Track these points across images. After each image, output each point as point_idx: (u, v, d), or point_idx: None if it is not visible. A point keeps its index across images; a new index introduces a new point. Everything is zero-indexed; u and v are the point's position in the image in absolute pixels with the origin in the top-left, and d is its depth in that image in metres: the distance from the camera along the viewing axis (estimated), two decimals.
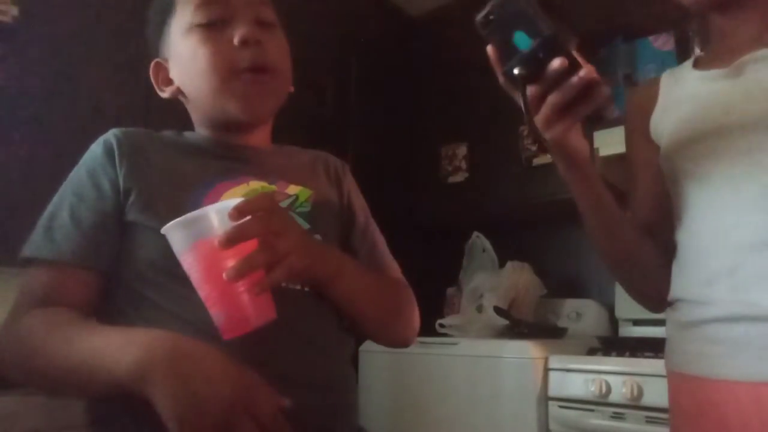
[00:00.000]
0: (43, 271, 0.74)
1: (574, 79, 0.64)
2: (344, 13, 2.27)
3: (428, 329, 2.05)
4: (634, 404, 1.50)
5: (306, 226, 0.81)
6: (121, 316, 0.74)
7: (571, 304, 2.23)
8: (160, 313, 0.72)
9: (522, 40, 0.64)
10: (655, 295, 0.89)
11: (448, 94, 2.43)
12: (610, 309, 2.16)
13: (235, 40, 0.79)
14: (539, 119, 0.69)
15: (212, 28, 0.80)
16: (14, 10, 1.39)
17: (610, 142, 1.78)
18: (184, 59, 0.83)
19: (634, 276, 0.91)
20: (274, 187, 0.82)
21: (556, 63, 0.63)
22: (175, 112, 0.91)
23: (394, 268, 0.93)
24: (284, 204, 0.82)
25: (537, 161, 2.13)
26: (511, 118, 2.23)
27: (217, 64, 0.79)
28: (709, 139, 0.80)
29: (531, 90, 0.67)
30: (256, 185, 0.81)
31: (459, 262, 2.40)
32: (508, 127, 2.21)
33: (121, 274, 0.76)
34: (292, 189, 0.84)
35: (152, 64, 0.88)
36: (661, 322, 2.02)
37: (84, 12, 1.54)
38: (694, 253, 0.81)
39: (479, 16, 0.67)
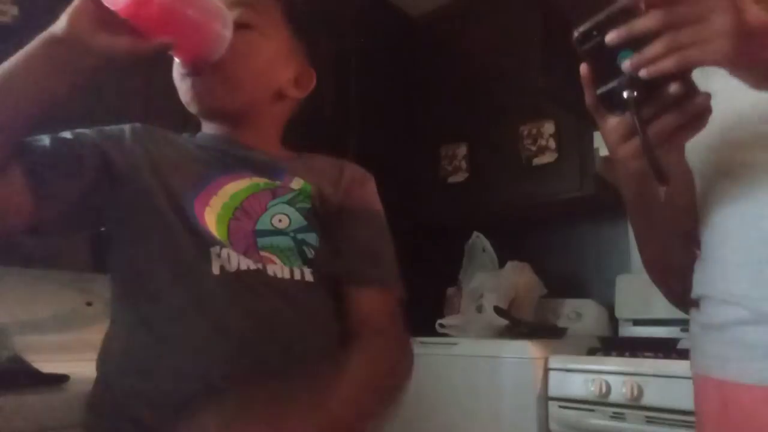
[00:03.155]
0: None
1: (691, 105, 0.61)
2: (344, 13, 2.27)
3: (428, 329, 2.05)
4: (634, 404, 1.50)
5: (303, 222, 0.80)
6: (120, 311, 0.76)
7: (571, 304, 2.23)
8: (156, 307, 0.72)
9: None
10: (683, 292, 0.87)
11: (448, 94, 2.42)
12: (610, 309, 2.16)
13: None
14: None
15: None
16: (14, 10, 1.38)
17: None
18: None
19: (666, 274, 0.90)
20: (277, 183, 0.82)
21: (674, 87, 0.60)
22: (175, 111, 0.91)
23: (396, 281, 0.87)
24: (285, 198, 0.80)
25: (537, 161, 2.13)
26: (511, 118, 2.26)
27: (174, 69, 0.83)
28: (733, 129, 0.78)
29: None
30: (258, 180, 0.81)
31: (459, 262, 2.41)
32: (508, 127, 2.22)
33: (116, 270, 0.77)
34: (297, 183, 0.83)
35: None
36: (660, 322, 2.01)
37: None
38: (716, 247, 0.79)
39: (579, 31, 0.62)
